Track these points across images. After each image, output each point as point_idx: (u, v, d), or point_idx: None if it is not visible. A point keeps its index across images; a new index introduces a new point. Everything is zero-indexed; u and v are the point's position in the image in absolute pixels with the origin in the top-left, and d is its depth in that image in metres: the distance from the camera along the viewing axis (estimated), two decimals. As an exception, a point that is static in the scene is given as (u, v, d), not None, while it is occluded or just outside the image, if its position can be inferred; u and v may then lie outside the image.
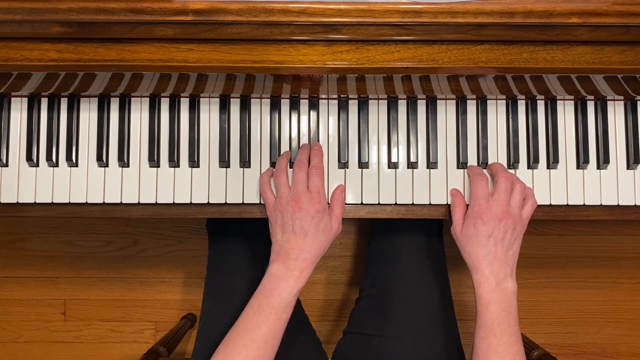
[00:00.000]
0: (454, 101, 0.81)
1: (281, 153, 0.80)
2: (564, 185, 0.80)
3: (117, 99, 0.80)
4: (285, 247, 0.73)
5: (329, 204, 0.78)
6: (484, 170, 0.79)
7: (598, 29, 0.63)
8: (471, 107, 0.81)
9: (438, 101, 0.81)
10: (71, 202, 0.79)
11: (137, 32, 0.64)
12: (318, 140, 0.80)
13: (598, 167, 0.80)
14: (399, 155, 0.80)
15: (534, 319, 1.50)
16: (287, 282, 0.72)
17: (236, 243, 0.93)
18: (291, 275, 0.72)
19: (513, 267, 0.74)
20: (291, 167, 0.78)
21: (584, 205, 0.80)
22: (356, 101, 0.81)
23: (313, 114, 0.81)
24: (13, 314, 1.49)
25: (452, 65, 0.66)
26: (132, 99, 0.80)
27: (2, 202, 0.78)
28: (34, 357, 1.49)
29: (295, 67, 0.66)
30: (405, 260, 0.90)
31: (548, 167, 0.80)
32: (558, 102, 0.81)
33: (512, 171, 0.80)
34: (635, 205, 0.80)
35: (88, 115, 0.80)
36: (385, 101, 0.81)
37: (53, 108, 0.79)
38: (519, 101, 0.81)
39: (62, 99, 0.80)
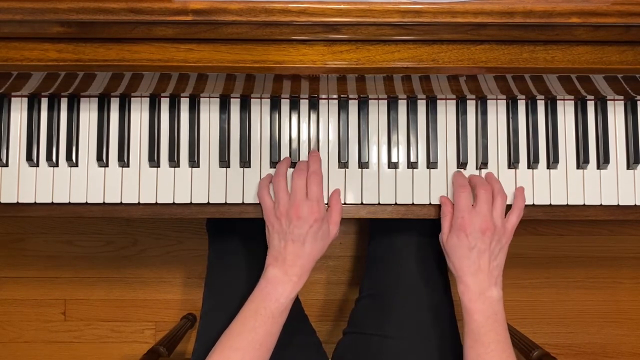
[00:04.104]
0: (454, 101, 0.81)
1: (281, 153, 0.80)
2: (564, 185, 0.80)
3: (117, 99, 0.80)
4: (282, 254, 0.73)
5: (327, 204, 0.78)
6: (467, 181, 0.78)
7: (598, 29, 0.63)
8: (471, 107, 0.81)
9: (438, 101, 0.81)
10: (71, 202, 0.79)
11: (137, 32, 0.63)
12: (318, 140, 0.80)
13: (598, 167, 0.80)
14: (399, 155, 0.80)
15: (534, 319, 1.50)
16: (284, 287, 0.72)
17: (236, 243, 0.93)
18: (289, 281, 0.73)
19: (498, 276, 0.74)
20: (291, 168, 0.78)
21: (584, 205, 0.80)
22: (356, 101, 0.81)
23: (313, 114, 0.81)
24: (13, 314, 1.49)
25: (452, 65, 0.66)
26: (132, 99, 0.80)
27: (2, 202, 0.78)
28: (34, 357, 1.49)
29: (295, 67, 0.66)
30: (405, 260, 0.90)
31: (548, 167, 0.80)
32: (558, 102, 0.81)
33: (512, 171, 0.80)
34: (635, 205, 0.80)
35: (88, 115, 0.80)
36: (385, 101, 0.81)
37: (53, 108, 0.79)
38: (519, 101, 0.81)
39: (62, 99, 0.80)
